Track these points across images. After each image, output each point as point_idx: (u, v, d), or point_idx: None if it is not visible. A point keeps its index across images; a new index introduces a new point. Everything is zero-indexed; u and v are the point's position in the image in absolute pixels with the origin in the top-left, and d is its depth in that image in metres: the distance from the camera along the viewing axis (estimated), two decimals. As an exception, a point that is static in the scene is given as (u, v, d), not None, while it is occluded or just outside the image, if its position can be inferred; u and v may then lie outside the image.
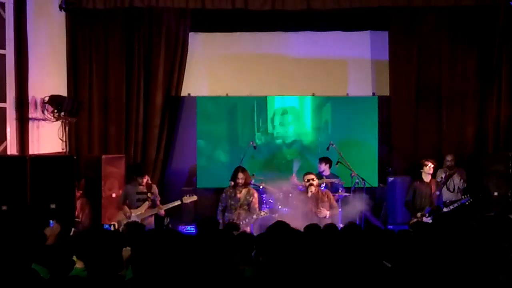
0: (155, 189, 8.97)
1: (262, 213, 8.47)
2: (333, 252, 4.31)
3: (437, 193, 8.88)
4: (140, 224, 6.08)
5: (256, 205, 8.56)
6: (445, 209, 8.55)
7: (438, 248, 4.24)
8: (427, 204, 8.74)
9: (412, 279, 3.75)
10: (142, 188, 8.83)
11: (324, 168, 9.37)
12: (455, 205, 8.60)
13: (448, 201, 9.25)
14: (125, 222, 7.83)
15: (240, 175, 8.49)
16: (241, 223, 8.40)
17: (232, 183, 8.46)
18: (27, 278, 3.41)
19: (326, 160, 9.48)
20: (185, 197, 8.78)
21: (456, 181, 9.46)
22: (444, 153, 9.95)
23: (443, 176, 9.43)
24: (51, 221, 5.96)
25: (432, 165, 8.74)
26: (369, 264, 3.81)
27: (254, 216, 8.47)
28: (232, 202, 8.50)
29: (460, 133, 10.33)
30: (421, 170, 8.79)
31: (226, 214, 8.32)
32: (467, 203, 8.58)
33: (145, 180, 8.83)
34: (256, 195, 8.64)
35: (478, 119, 10.30)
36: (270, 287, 3.48)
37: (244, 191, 8.54)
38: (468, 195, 8.68)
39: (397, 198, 9.67)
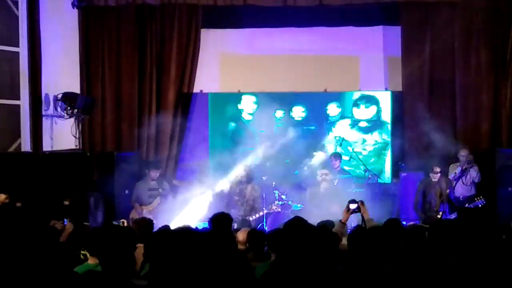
0: (166, 185, 9.04)
1: (274, 207, 8.53)
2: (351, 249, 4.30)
3: (448, 191, 8.85)
4: (149, 219, 6.10)
5: (259, 200, 8.68)
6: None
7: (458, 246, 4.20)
8: (438, 204, 8.72)
9: (426, 279, 3.72)
10: (154, 184, 8.90)
11: (336, 163, 9.37)
12: (469, 207, 8.58)
13: (461, 197, 9.21)
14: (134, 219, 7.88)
15: (242, 173, 8.62)
16: (250, 218, 8.48)
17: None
18: (41, 274, 3.44)
19: (337, 155, 9.47)
20: (194, 190, 8.83)
21: (473, 174, 9.38)
22: (457, 148, 9.88)
23: (457, 171, 9.38)
24: (65, 220, 6.00)
25: (439, 171, 8.77)
26: (385, 263, 3.80)
27: (266, 210, 8.54)
28: (237, 198, 8.57)
29: (474, 128, 10.24)
30: (430, 172, 8.83)
31: (231, 210, 8.34)
32: (480, 205, 8.55)
33: (157, 175, 8.89)
34: (259, 190, 8.74)
35: (493, 114, 10.21)
36: (283, 283, 3.48)
37: (249, 187, 8.63)
38: (481, 196, 8.63)
39: (410, 194, 9.63)
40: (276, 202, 8.75)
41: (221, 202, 8.66)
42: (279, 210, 8.62)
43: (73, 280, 3.36)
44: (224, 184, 8.82)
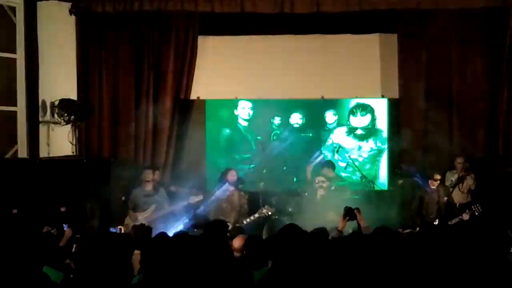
0: (162, 191, 9.02)
1: (265, 211, 8.54)
2: (342, 256, 4.30)
3: (445, 198, 8.85)
4: (148, 226, 6.09)
5: (246, 206, 8.71)
6: (453, 221, 8.54)
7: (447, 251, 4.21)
8: (435, 211, 8.73)
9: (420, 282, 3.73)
10: (150, 191, 8.87)
11: (328, 172, 9.34)
12: (464, 215, 8.58)
13: (458, 205, 9.22)
14: (132, 225, 7.85)
15: (233, 172, 8.65)
16: (244, 222, 8.51)
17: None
18: (37, 281, 3.43)
19: (329, 164, 9.44)
20: (191, 197, 8.83)
21: (470, 182, 9.41)
22: (454, 155, 9.90)
23: (454, 178, 9.40)
24: (64, 225, 5.99)
25: (438, 181, 8.78)
26: (379, 268, 3.80)
27: (256, 215, 8.55)
28: (226, 205, 8.57)
29: (470, 135, 10.27)
30: (429, 180, 8.83)
31: (220, 217, 8.34)
32: (476, 213, 8.55)
33: (149, 177, 8.85)
34: (246, 196, 8.77)
35: (489, 121, 10.25)
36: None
37: (236, 193, 8.65)
38: (477, 205, 8.63)
39: (407, 200, 9.63)
40: (267, 205, 8.73)
41: (210, 209, 8.68)
42: (269, 213, 8.63)
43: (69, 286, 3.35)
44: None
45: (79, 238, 5.68)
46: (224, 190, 8.71)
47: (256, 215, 8.59)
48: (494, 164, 9.64)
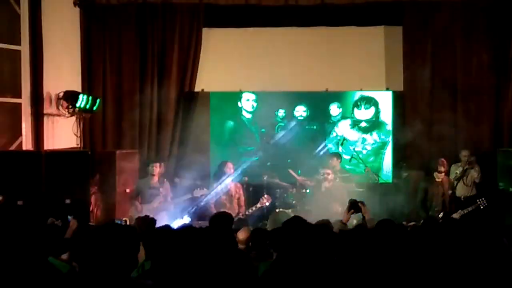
0: (167, 184, 9.04)
1: (264, 201, 8.63)
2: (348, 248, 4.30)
3: (450, 191, 8.83)
4: (152, 218, 6.10)
5: (243, 197, 8.79)
6: (457, 214, 8.52)
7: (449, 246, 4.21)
8: (440, 204, 8.70)
9: (423, 277, 3.73)
10: (155, 184, 8.89)
11: (335, 163, 9.36)
12: (469, 209, 8.56)
13: (463, 198, 9.21)
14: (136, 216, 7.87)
15: (229, 164, 8.69)
16: (247, 212, 8.57)
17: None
18: (42, 272, 3.44)
19: (336, 155, 9.46)
20: (195, 191, 8.85)
21: (474, 175, 9.39)
22: (459, 148, 9.88)
23: (459, 171, 9.38)
24: (69, 217, 6.01)
25: (443, 171, 8.75)
26: (383, 261, 3.80)
27: (258, 205, 8.62)
28: (225, 197, 8.61)
29: (475, 128, 10.25)
30: (435, 171, 8.80)
31: (220, 209, 8.38)
32: (481, 207, 8.54)
33: (156, 170, 8.88)
34: (241, 187, 8.84)
35: (494, 114, 10.22)
36: (284, 281, 3.48)
37: (233, 185, 8.70)
38: (483, 199, 8.61)
39: (412, 193, 9.63)
40: (267, 195, 8.80)
41: (210, 202, 8.73)
42: (269, 202, 8.70)
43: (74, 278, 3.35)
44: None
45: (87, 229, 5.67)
46: (226, 185, 8.80)
47: (258, 205, 8.68)
48: (499, 157, 9.60)
